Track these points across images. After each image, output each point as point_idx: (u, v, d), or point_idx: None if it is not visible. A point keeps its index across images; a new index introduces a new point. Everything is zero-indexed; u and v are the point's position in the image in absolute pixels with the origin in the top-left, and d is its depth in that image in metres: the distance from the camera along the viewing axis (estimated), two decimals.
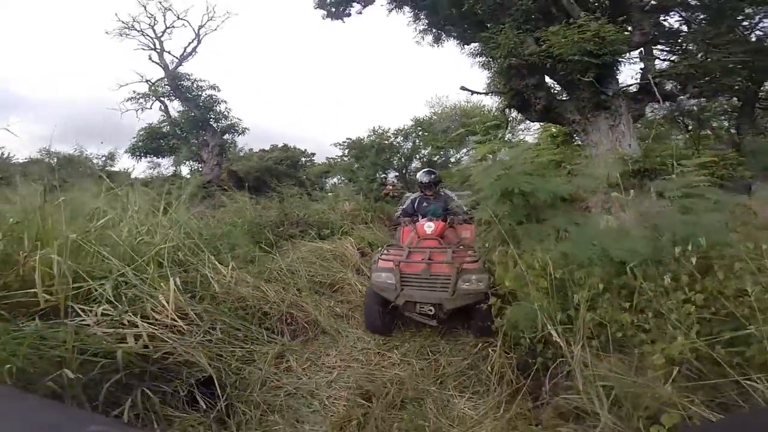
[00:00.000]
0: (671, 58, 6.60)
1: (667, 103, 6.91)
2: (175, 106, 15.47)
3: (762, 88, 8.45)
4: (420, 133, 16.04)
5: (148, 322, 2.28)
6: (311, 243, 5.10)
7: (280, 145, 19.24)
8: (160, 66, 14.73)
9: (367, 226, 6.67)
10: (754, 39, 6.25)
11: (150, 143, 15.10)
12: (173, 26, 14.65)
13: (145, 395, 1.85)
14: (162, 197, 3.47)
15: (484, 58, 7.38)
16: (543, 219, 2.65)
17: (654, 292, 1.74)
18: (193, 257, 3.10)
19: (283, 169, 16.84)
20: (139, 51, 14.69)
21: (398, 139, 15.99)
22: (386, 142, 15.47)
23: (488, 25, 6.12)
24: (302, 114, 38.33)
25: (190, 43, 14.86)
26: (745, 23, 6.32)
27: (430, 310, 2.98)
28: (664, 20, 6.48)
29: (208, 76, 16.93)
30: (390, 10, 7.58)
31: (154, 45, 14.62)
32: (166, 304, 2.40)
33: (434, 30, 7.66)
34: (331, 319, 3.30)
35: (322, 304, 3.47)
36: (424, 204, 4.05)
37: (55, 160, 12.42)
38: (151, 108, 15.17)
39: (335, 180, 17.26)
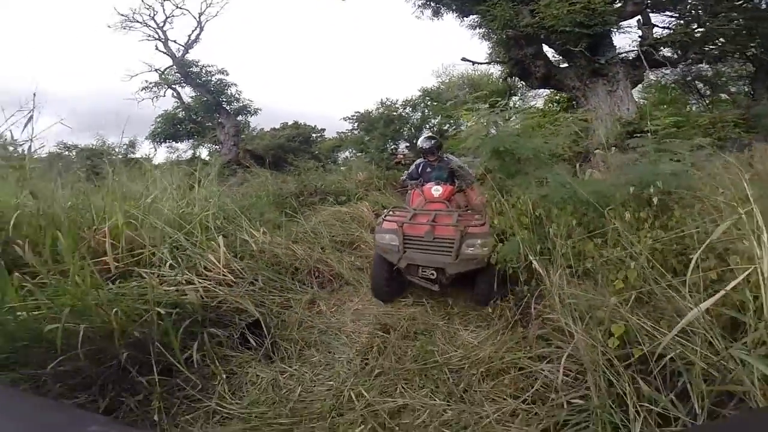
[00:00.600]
0: (670, 26, 6.55)
1: (679, 68, 6.92)
2: (187, 92, 15.85)
3: None
4: (429, 103, 15.86)
5: (201, 279, 2.73)
6: (330, 208, 5.55)
7: (290, 122, 19.34)
8: (167, 55, 14.98)
9: (381, 192, 7.07)
10: (764, 6, 6.04)
11: (168, 128, 15.65)
12: (173, 15, 14.76)
13: (207, 338, 2.22)
14: (194, 175, 3.89)
15: (483, 30, 7.41)
16: (529, 173, 2.92)
17: (616, 228, 1.99)
18: (228, 224, 3.55)
19: (296, 146, 17.15)
20: (144, 42, 14.97)
21: (407, 110, 15.89)
22: (395, 113, 15.43)
23: None
24: (309, 91, 37.91)
25: (193, 31, 15.00)
26: None
27: (432, 275, 2.91)
28: None
29: (215, 61, 17.02)
30: None
31: (158, 35, 14.82)
32: (216, 261, 2.85)
33: (432, 3, 7.67)
34: (353, 272, 3.71)
35: (343, 260, 3.87)
36: (428, 170, 3.98)
37: (74, 153, 13.15)
38: (164, 96, 15.62)
39: (347, 153, 17.41)
